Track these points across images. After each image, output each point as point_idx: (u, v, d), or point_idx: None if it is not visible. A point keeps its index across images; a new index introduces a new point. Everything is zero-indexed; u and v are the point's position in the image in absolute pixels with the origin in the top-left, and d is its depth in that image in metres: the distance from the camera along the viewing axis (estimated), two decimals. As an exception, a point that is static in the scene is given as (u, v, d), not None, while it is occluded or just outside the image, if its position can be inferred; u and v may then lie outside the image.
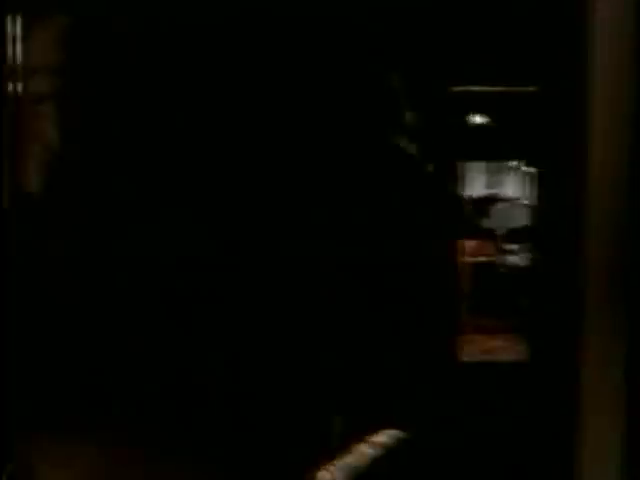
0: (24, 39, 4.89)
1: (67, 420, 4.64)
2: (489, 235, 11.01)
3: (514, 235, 10.83)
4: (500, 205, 11.67)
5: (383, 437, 4.82)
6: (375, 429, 4.83)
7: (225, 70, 5.15)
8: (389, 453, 4.66)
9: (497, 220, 11.39)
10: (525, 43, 5.44)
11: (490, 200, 11.73)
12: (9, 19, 3.82)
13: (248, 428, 4.94)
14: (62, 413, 4.65)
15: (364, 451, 4.66)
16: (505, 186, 12.38)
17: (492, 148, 9.76)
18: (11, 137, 3.85)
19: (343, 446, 3.83)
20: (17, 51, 3.99)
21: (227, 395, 5.12)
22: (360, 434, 4.45)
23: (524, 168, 11.94)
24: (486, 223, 11.39)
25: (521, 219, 10.92)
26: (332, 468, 4.35)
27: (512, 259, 10.56)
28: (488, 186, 12.26)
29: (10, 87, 4.89)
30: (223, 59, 5.13)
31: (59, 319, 4.78)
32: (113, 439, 4.64)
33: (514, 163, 12.22)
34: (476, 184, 12.14)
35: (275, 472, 4.41)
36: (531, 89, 5.63)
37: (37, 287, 4.64)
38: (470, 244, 10.12)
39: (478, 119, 9.01)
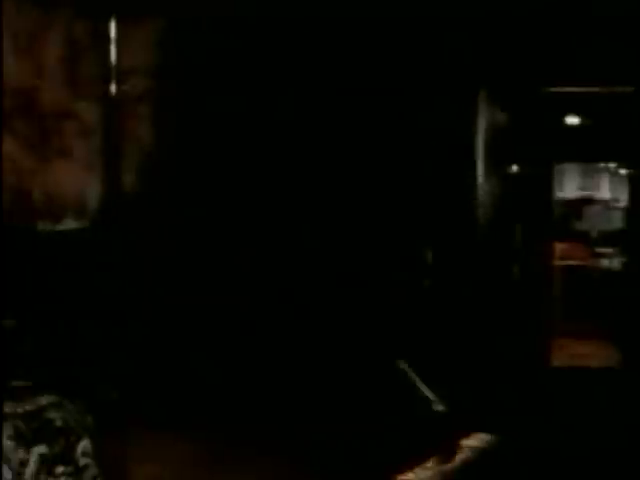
0: (121, 42, 4.99)
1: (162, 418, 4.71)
2: (582, 238, 10.82)
3: (608, 238, 10.63)
4: (594, 207, 11.46)
5: (474, 440, 4.78)
6: (466, 432, 4.79)
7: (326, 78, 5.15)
8: (479, 456, 4.61)
9: (590, 222, 11.19)
10: (623, 43, 5.33)
11: (584, 202, 11.54)
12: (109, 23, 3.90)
13: (341, 428, 4.95)
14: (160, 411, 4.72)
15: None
16: (600, 188, 12.16)
17: (587, 149, 9.58)
18: (109, 137, 3.94)
19: (435, 449, 3.81)
20: (115, 54, 4.08)
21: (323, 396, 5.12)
22: (451, 437, 4.41)
23: (619, 170, 11.71)
24: (579, 225, 11.21)
25: (615, 222, 10.71)
26: (422, 470, 4.33)
27: (605, 262, 10.36)
28: (582, 188, 12.05)
29: (108, 89, 5.00)
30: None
31: (153, 318, 4.85)
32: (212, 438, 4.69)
33: (609, 165, 11.99)
34: (570, 186, 11.94)
35: (366, 472, 4.41)
36: (629, 89, 5.51)
37: (133, 283, 4.72)
38: (562, 247, 9.96)
39: (574, 120, 8.85)
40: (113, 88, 3.95)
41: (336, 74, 5.14)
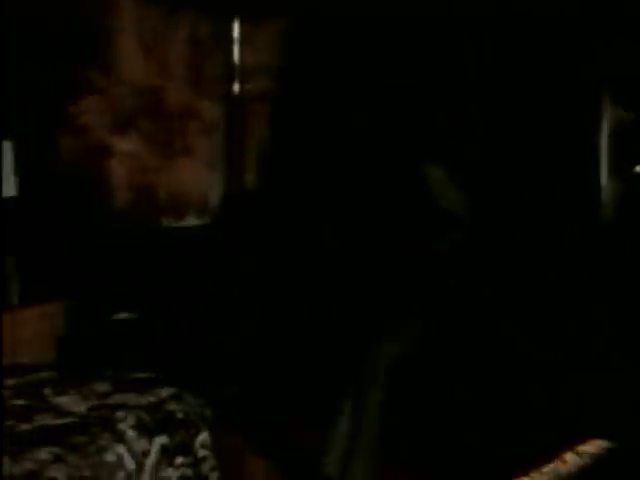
0: (243, 42, 5.07)
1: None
2: None
3: None
4: None
5: (591, 446, 4.68)
6: (584, 438, 4.69)
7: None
8: (596, 462, 4.51)
9: None
10: None
11: None
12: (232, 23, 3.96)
13: (464, 429, 4.91)
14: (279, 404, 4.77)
15: (571, 460, 4.55)
16: None
17: None
18: (231, 136, 4.01)
19: (551, 454, 3.75)
20: (238, 53, 4.15)
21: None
22: (569, 443, 4.33)
23: None
24: None
25: None
26: (538, 475, 4.27)
27: None
28: None
29: (230, 88, 5.08)
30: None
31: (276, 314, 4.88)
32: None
33: None
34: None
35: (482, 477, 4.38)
36: None
37: (250, 280, 4.79)
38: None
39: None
40: (235, 88, 4.01)
41: (458, 75, 5.09)
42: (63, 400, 3.41)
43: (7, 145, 5.49)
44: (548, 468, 4.48)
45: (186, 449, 3.38)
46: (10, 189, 5.49)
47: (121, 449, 3.07)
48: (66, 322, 5.55)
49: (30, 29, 5.77)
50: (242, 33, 4.11)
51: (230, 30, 4.26)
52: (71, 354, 5.21)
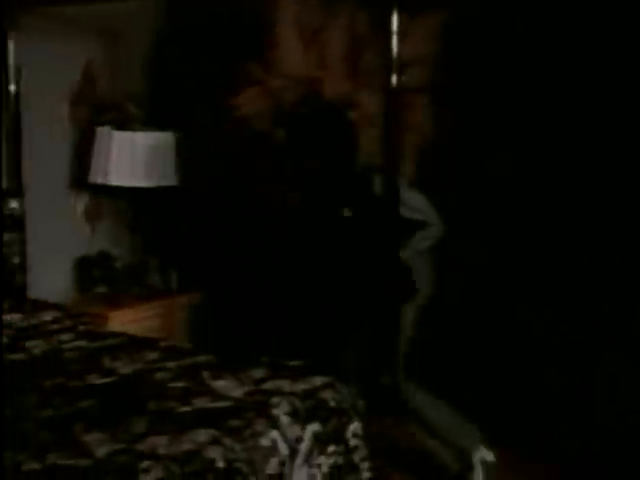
0: (402, 34, 5.03)
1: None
2: None
3: None
4: None
5: None
6: None
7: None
8: None
9: None
10: None
11: None
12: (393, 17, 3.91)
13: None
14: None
15: None
16: None
17: None
18: (389, 127, 3.98)
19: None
20: (396, 45, 4.11)
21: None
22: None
23: None
24: None
25: None
26: None
27: None
28: None
29: (388, 80, 5.06)
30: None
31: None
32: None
33: None
34: None
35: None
36: None
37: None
38: None
39: None
40: (394, 79, 3.99)
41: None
42: (220, 384, 3.51)
43: (170, 136, 5.69)
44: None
45: (338, 438, 3.41)
46: (172, 179, 5.69)
47: (275, 435, 3.12)
48: (216, 310, 5.73)
49: (194, 24, 5.95)
50: (401, 24, 4.07)
51: (389, 21, 4.23)
52: (219, 340, 5.34)
